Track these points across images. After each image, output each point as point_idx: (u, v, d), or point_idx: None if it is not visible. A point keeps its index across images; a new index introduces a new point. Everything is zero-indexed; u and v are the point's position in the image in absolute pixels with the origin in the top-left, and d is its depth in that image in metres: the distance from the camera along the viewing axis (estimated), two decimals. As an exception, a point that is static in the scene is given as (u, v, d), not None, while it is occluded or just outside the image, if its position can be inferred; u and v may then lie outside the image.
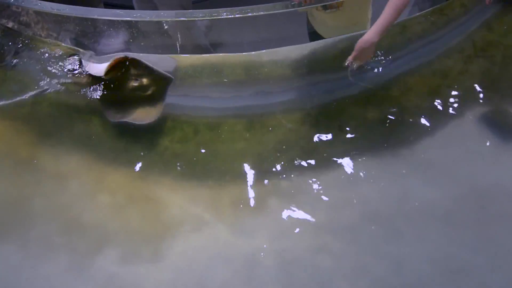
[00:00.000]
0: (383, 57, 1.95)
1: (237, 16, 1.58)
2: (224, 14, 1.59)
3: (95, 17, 1.78)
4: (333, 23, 1.40)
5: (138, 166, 1.97)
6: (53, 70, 2.07)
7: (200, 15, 1.60)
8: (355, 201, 1.88)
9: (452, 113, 1.96)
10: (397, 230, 1.81)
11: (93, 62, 1.89)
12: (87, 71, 1.92)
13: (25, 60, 2.10)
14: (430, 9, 1.99)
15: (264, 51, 1.93)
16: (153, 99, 1.92)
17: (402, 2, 1.41)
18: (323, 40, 1.91)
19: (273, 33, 1.97)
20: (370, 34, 1.55)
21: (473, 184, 1.86)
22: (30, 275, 1.72)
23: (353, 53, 1.64)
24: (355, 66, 1.76)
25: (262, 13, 1.54)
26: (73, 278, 1.70)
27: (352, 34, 1.80)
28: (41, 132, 2.02)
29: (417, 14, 1.98)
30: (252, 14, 1.54)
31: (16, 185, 1.92)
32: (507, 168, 1.85)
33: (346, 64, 1.72)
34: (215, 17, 1.60)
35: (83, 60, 1.95)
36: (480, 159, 1.89)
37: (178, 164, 1.95)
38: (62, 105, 2.02)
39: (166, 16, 1.70)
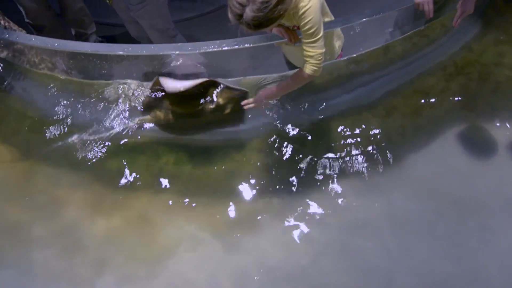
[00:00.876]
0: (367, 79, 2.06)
1: (224, 48, 1.65)
2: (212, 47, 1.66)
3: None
4: (301, 54, 1.52)
5: (133, 188, 2.02)
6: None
7: (189, 48, 1.67)
8: (343, 217, 1.97)
9: (433, 131, 2.06)
10: (384, 244, 1.91)
11: (171, 80, 1.95)
12: (163, 88, 1.97)
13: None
14: (411, 31, 2.08)
15: (248, 77, 2.02)
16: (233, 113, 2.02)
17: (306, 79, 1.53)
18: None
19: (257, 62, 2.06)
20: (268, 91, 1.69)
21: (453, 198, 1.96)
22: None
23: (252, 100, 1.74)
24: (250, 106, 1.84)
25: (247, 45, 1.62)
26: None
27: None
28: (37, 156, 2.07)
29: (399, 37, 2.07)
30: (239, 47, 1.62)
31: (15, 210, 1.97)
32: (483, 182, 1.95)
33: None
34: (203, 50, 1.67)
35: (160, 78, 2.00)
36: (459, 174, 1.99)
37: (173, 184, 2.01)
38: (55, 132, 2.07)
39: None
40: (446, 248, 1.88)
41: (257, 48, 1.69)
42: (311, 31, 1.38)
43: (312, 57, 1.44)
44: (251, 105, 1.73)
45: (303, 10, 1.35)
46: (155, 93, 2.03)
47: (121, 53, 1.80)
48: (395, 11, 1.84)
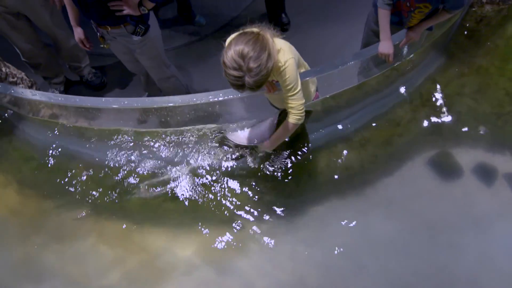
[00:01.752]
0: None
1: (219, 100, 1.86)
2: (204, 99, 1.87)
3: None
4: (278, 99, 1.72)
5: (135, 221, 2.21)
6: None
7: (179, 101, 1.87)
8: (325, 239, 2.16)
9: (404, 157, 2.28)
10: (362, 263, 2.11)
11: (237, 131, 2.14)
12: (232, 141, 2.17)
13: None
14: (380, 72, 2.31)
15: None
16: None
17: (292, 128, 1.73)
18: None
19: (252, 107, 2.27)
20: (268, 143, 1.94)
21: (425, 218, 2.16)
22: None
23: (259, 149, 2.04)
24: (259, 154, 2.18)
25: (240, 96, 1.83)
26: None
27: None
28: (44, 195, 2.25)
29: (371, 77, 2.29)
30: (228, 98, 1.83)
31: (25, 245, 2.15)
32: (451, 203, 2.16)
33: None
34: (196, 102, 1.88)
35: (227, 134, 2.20)
36: (429, 196, 2.20)
37: (170, 217, 2.20)
38: (62, 170, 2.26)
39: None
40: (418, 264, 2.08)
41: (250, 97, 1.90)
42: (289, 86, 1.58)
43: (294, 108, 1.64)
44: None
45: (281, 69, 1.55)
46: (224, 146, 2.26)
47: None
48: (361, 60, 2.06)
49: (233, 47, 1.39)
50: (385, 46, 1.87)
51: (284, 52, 1.54)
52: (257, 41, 1.40)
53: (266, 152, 2.18)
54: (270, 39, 1.45)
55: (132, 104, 2.08)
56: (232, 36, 1.50)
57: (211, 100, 2.01)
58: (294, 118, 1.67)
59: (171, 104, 2.05)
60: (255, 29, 1.46)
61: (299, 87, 1.61)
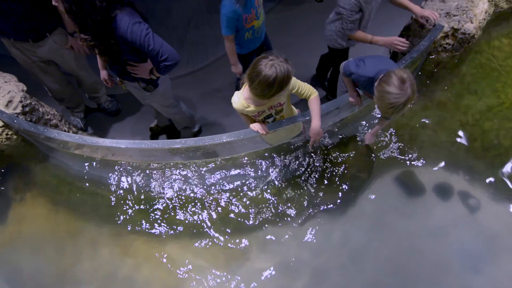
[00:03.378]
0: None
1: (223, 141, 2.31)
2: (207, 141, 2.31)
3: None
4: (272, 138, 2.14)
5: (153, 234, 2.65)
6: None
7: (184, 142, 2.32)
8: (312, 246, 2.63)
9: (378, 176, 2.75)
10: (345, 267, 2.57)
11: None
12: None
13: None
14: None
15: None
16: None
17: (319, 99, 2.20)
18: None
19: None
20: (316, 123, 2.24)
21: (393, 229, 2.64)
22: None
23: (311, 139, 2.33)
24: (315, 145, 2.54)
25: (242, 137, 2.28)
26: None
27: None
28: (76, 213, 2.68)
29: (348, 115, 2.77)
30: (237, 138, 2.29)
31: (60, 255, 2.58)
32: (414, 216, 2.64)
33: (309, 149, 2.48)
34: (201, 144, 2.31)
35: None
36: (396, 211, 2.67)
37: (185, 230, 2.64)
38: (88, 193, 2.70)
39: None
40: (387, 266, 2.56)
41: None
42: (296, 87, 2.08)
43: (308, 90, 2.13)
44: (315, 143, 2.36)
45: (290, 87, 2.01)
46: None
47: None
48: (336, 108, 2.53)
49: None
50: (353, 96, 2.37)
51: None
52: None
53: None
54: None
55: (155, 146, 2.48)
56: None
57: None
58: (314, 94, 2.16)
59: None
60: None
61: (300, 83, 2.09)
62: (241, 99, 2.10)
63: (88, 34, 2.00)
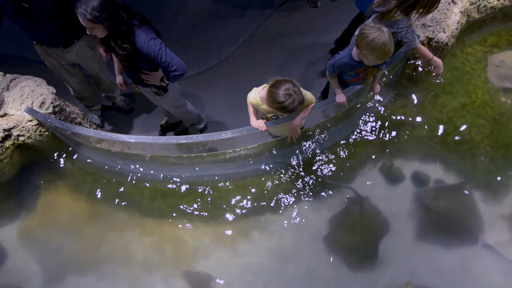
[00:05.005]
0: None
1: (227, 136, 2.69)
2: (214, 136, 2.69)
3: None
4: (277, 130, 2.52)
5: (167, 217, 3.03)
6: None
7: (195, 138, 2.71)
8: (309, 225, 3.02)
9: (362, 168, 3.14)
10: (321, 250, 2.96)
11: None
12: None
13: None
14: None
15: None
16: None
17: (309, 110, 2.60)
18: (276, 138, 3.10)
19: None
20: (296, 122, 2.64)
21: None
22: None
23: (289, 135, 2.75)
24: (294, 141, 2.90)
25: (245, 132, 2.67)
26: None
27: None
28: (98, 200, 3.07)
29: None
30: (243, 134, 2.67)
31: (87, 236, 2.97)
32: (392, 201, 3.04)
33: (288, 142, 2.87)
34: (210, 139, 2.69)
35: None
36: (378, 196, 3.06)
37: (193, 214, 3.03)
38: (109, 182, 3.10)
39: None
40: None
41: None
42: (305, 101, 2.45)
43: (308, 100, 2.51)
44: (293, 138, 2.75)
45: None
46: None
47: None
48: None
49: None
50: (339, 97, 2.73)
51: None
52: None
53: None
54: None
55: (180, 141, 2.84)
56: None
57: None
58: (312, 103, 2.59)
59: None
60: None
61: (306, 94, 2.47)
62: (257, 97, 2.51)
63: (126, 43, 2.36)
